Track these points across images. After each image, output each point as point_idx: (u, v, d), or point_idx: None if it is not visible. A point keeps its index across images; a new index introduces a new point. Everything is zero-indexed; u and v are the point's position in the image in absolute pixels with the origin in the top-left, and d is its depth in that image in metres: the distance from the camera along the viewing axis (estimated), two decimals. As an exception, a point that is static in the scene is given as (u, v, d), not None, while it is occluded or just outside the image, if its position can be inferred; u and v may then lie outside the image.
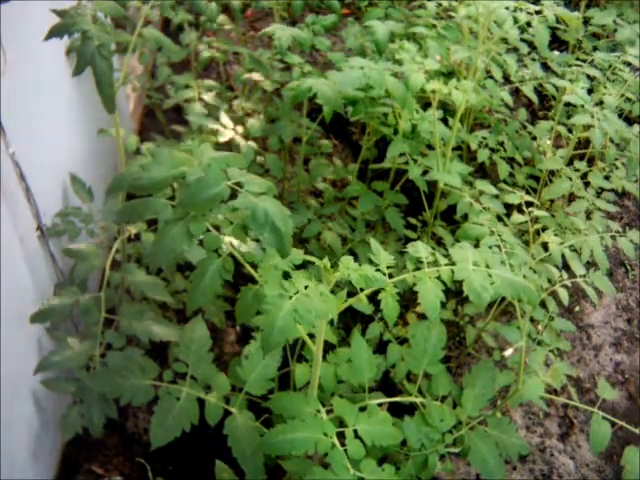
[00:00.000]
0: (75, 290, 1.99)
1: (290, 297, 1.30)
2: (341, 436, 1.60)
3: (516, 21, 2.28)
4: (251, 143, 2.53)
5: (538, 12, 2.31)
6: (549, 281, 2.11)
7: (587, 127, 2.34)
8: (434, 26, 2.49)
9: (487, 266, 1.47)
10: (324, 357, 1.88)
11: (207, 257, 1.55)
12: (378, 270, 1.46)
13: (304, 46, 2.32)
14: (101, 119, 2.57)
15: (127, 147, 2.33)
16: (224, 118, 2.54)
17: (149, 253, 1.59)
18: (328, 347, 1.97)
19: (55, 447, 2.10)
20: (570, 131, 2.72)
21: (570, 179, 2.48)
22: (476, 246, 2.00)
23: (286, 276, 1.46)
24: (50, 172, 2.08)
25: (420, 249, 1.51)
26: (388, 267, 1.48)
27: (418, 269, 1.49)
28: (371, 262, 1.51)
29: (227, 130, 2.50)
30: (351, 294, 1.50)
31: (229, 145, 2.58)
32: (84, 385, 1.90)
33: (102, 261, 2.08)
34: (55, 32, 1.53)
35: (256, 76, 2.66)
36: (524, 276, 1.85)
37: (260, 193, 1.40)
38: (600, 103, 2.45)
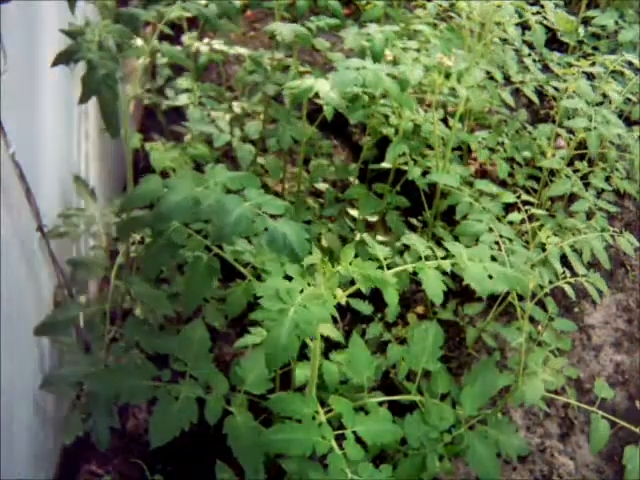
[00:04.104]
0: (79, 302, 1.99)
1: (289, 310, 1.30)
2: (341, 436, 1.60)
3: (520, 16, 2.29)
4: (249, 145, 2.53)
5: (538, 13, 2.32)
6: (550, 282, 2.11)
7: (587, 129, 2.33)
8: (435, 25, 2.49)
9: (480, 260, 1.50)
10: (327, 356, 1.89)
11: (193, 260, 1.57)
12: (379, 267, 1.47)
13: (305, 42, 2.33)
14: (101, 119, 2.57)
15: (130, 145, 2.33)
16: (221, 121, 2.54)
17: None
18: (332, 346, 1.98)
19: (55, 447, 2.10)
20: (571, 132, 2.72)
21: (570, 179, 2.49)
22: (475, 244, 2.01)
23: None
24: (51, 172, 2.08)
25: (416, 242, 1.53)
26: (386, 259, 1.50)
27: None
28: (371, 259, 1.52)
29: (224, 134, 2.50)
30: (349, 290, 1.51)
31: (229, 147, 2.59)
32: (91, 399, 1.90)
33: (106, 270, 2.07)
34: (60, 59, 1.56)
35: (256, 77, 2.66)
36: (525, 271, 1.85)
37: (278, 215, 1.41)
38: (601, 103, 2.46)
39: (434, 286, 1.44)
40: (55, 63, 1.55)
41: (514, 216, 2.24)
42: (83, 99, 1.54)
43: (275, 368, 1.28)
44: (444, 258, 1.51)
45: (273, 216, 1.41)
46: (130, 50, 1.85)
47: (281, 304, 1.29)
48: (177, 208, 1.39)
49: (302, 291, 1.34)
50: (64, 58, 1.55)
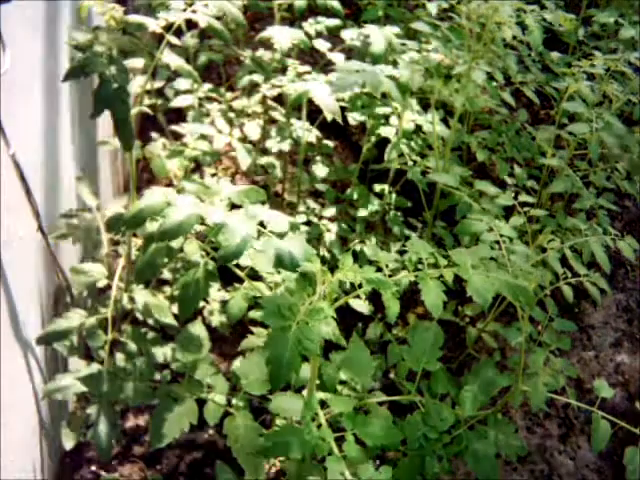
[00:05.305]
0: (81, 312, 1.99)
1: (291, 326, 1.29)
2: (341, 437, 1.61)
3: (518, 16, 2.29)
4: (248, 146, 2.53)
5: (537, 13, 2.32)
6: (550, 283, 2.11)
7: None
8: (435, 26, 2.50)
9: (484, 266, 1.49)
10: (327, 357, 1.89)
11: (189, 265, 1.57)
12: (379, 270, 1.47)
13: (305, 46, 2.33)
14: (102, 119, 2.57)
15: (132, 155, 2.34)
16: (220, 123, 2.55)
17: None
18: (332, 346, 1.98)
19: (55, 447, 2.11)
20: (571, 132, 2.72)
21: (570, 177, 2.49)
22: (475, 243, 2.01)
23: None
24: (52, 173, 2.08)
25: (419, 247, 1.52)
26: (388, 266, 1.49)
27: (418, 269, 1.50)
28: (371, 262, 1.51)
29: (222, 136, 2.51)
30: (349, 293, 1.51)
31: (229, 147, 2.59)
32: (93, 410, 1.90)
33: (107, 273, 2.08)
34: (72, 74, 1.55)
35: (257, 77, 2.66)
36: (527, 272, 1.85)
37: (284, 233, 1.41)
38: (601, 103, 2.45)
39: (434, 296, 1.43)
40: (67, 78, 1.54)
41: (515, 220, 2.24)
42: (95, 113, 1.54)
43: (279, 386, 1.28)
44: (447, 266, 1.49)
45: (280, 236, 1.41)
46: (137, 60, 1.85)
47: (283, 321, 1.29)
48: (181, 226, 1.39)
49: (303, 304, 1.33)
50: (76, 72, 1.54)
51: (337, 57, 2.56)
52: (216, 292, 2.24)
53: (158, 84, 2.83)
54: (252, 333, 2.01)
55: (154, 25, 1.78)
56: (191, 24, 2.78)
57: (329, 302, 1.37)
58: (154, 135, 2.86)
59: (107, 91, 1.52)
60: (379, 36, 2.21)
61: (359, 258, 2.38)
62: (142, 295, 2.04)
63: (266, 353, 1.27)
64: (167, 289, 2.22)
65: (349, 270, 1.41)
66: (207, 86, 2.72)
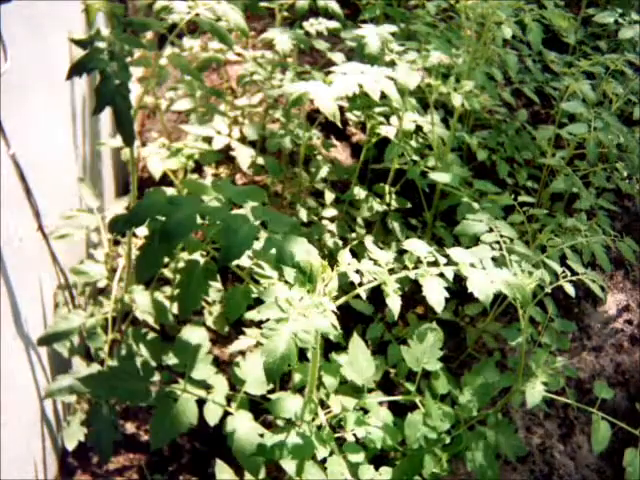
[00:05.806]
0: (81, 312, 1.99)
1: (288, 319, 1.28)
2: (341, 437, 1.61)
3: (518, 17, 2.29)
4: (248, 146, 2.53)
5: (535, 12, 2.32)
6: (550, 283, 2.10)
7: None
8: (435, 26, 2.50)
9: (483, 268, 1.50)
10: (327, 357, 1.89)
11: (189, 264, 1.56)
12: (377, 264, 1.47)
13: (305, 46, 2.33)
14: (102, 119, 2.57)
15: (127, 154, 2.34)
16: (220, 124, 2.55)
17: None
18: (332, 346, 1.98)
19: (55, 447, 2.11)
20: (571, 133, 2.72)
21: (570, 177, 2.49)
22: (476, 243, 2.02)
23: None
24: (53, 173, 2.08)
25: (419, 247, 1.52)
26: (387, 264, 1.50)
27: (418, 267, 1.50)
28: (371, 260, 1.52)
29: (222, 136, 2.51)
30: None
31: (229, 147, 2.59)
32: (93, 413, 1.91)
33: (108, 273, 2.08)
34: (74, 70, 1.55)
35: (257, 77, 2.66)
36: (527, 272, 1.85)
37: (285, 233, 1.40)
38: (601, 103, 2.45)
39: (435, 293, 1.44)
40: (70, 75, 1.54)
41: (514, 218, 2.24)
42: (97, 110, 1.54)
43: (275, 378, 1.28)
44: (446, 264, 1.50)
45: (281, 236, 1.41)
46: (139, 61, 1.85)
47: (280, 313, 1.29)
48: (182, 226, 1.38)
49: (302, 299, 1.33)
50: (78, 69, 1.54)
51: (337, 57, 2.57)
52: (216, 292, 2.24)
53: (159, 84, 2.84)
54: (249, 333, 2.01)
55: (157, 26, 1.78)
56: (192, 24, 2.78)
57: (329, 298, 1.37)
58: (154, 135, 2.87)
59: (108, 87, 1.52)
60: (375, 36, 2.21)
61: (358, 258, 2.38)
62: (142, 295, 2.04)
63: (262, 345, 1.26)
64: (167, 289, 2.22)
65: (349, 264, 1.41)
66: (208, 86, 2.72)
